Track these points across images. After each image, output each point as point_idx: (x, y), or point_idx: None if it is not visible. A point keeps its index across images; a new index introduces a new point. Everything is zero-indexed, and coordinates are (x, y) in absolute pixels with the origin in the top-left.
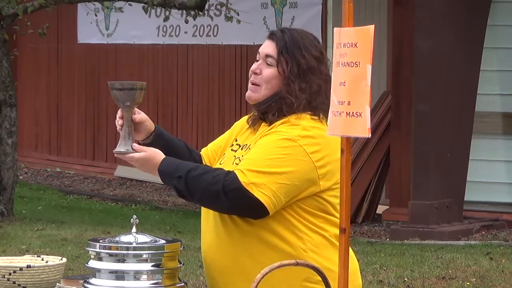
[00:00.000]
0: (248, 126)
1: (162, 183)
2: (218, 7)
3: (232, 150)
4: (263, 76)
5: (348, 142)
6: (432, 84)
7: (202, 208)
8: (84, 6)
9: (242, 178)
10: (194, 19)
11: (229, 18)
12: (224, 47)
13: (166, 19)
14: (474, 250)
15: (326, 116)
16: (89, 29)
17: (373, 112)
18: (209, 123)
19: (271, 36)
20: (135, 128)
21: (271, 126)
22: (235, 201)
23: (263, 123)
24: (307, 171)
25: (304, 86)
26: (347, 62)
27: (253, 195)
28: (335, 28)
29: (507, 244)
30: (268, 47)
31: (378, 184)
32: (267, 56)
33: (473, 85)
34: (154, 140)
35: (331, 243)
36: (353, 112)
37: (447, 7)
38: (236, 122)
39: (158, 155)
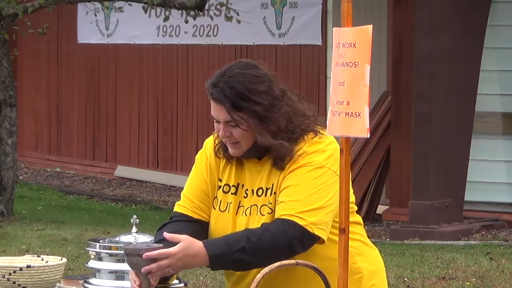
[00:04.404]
0: (224, 160)
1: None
2: (218, 7)
3: (225, 192)
4: (236, 136)
5: (348, 142)
6: (432, 84)
7: None
8: (84, 6)
9: (301, 222)
10: (194, 19)
11: (229, 18)
12: (224, 47)
13: (166, 19)
14: (474, 250)
15: (319, 123)
16: (89, 29)
17: (373, 112)
18: (209, 123)
19: (213, 98)
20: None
21: (290, 164)
22: (305, 245)
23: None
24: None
25: (274, 128)
26: (346, 62)
27: (316, 234)
28: (334, 28)
29: (507, 244)
30: (220, 113)
31: (378, 184)
32: (225, 121)
33: (473, 85)
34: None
35: (365, 243)
36: (352, 112)
37: (447, 7)
38: (199, 158)
39: (194, 240)
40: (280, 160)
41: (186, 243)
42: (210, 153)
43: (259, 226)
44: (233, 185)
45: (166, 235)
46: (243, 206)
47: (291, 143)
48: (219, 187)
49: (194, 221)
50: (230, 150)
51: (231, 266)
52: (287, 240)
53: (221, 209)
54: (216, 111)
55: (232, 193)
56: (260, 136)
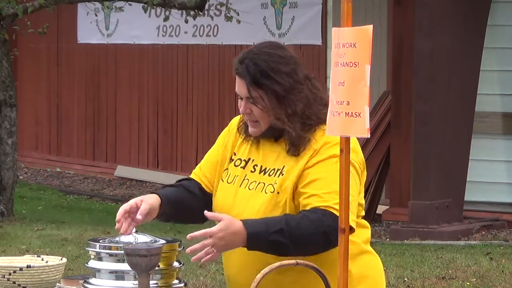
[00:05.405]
0: (243, 137)
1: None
2: (218, 7)
3: (235, 166)
4: (255, 114)
5: (348, 142)
6: (432, 84)
7: None
8: (84, 6)
9: (338, 213)
10: (194, 19)
11: (229, 18)
12: (224, 47)
13: (166, 19)
14: (474, 250)
15: None
16: (89, 29)
17: (373, 112)
18: (209, 123)
19: (237, 73)
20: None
21: (313, 151)
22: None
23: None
24: (360, 182)
25: (290, 111)
26: (346, 62)
27: (351, 225)
28: (333, 28)
29: (507, 244)
30: (241, 88)
31: (378, 184)
32: (246, 97)
33: (473, 85)
34: (166, 207)
35: (362, 247)
36: (352, 112)
37: (447, 7)
38: (224, 132)
39: (234, 219)
40: (293, 146)
41: (227, 221)
42: (233, 129)
43: (260, 202)
44: (244, 160)
45: (207, 213)
46: (248, 179)
47: (304, 130)
48: (232, 160)
49: (199, 187)
50: (250, 129)
51: (267, 247)
52: (323, 229)
53: (228, 181)
54: (239, 86)
55: (241, 167)
56: (274, 117)
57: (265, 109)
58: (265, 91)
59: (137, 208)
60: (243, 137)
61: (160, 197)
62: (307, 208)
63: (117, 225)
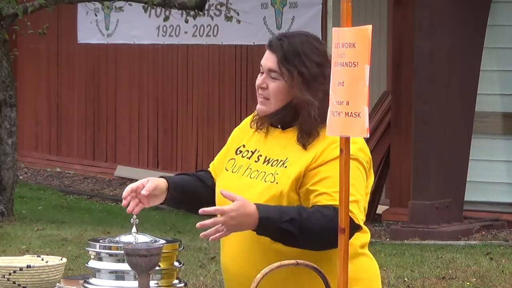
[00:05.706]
0: (254, 130)
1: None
2: (218, 7)
3: (243, 157)
4: (270, 90)
5: (347, 142)
6: (432, 84)
7: None
8: (84, 6)
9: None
10: (194, 19)
11: (229, 18)
12: (224, 47)
13: (166, 19)
14: (474, 250)
15: None
16: (89, 29)
17: (373, 112)
18: (209, 123)
19: (270, 46)
20: (152, 200)
21: (318, 149)
22: (350, 234)
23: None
24: (367, 183)
25: (309, 96)
26: (345, 62)
27: (359, 224)
28: (333, 28)
29: (507, 244)
30: (269, 60)
31: (378, 184)
32: (269, 70)
33: (473, 85)
34: (173, 192)
35: (358, 250)
36: (351, 112)
37: (447, 7)
38: (236, 129)
39: (248, 201)
40: (304, 133)
41: (241, 202)
42: (245, 125)
43: (259, 190)
44: (251, 151)
45: (223, 192)
46: (251, 168)
47: (317, 118)
48: (240, 152)
49: (213, 178)
50: (258, 106)
51: (276, 234)
52: (333, 225)
53: (233, 171)
54: (267, 58)
55: (247, 158)
56: (297, 89)
57: (286, 86)
58: (292, 70)
59: (143, 188)
60: (254, 129)
61: (167, 181)
62: (319, 204)
63: (123, 202)
